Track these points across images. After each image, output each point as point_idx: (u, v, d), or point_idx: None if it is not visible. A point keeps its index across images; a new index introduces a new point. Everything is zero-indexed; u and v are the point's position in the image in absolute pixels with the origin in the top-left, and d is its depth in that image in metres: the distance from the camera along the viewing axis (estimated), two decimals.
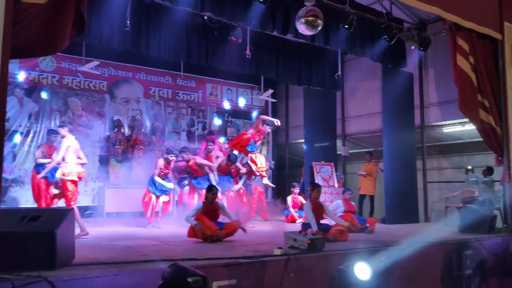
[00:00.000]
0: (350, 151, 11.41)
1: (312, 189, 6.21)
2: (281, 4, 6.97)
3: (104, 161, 9.83)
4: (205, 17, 7.14)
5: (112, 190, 9.34)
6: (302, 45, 9.85)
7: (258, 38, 9.07)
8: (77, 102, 9.75)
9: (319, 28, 5.81)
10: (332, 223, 6.06)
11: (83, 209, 9.30)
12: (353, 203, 7.77)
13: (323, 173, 10.27)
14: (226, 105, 11.79)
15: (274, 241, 4.91)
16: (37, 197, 6.79)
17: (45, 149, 6.94)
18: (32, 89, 9.21)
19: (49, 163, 6.49)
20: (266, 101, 12.54)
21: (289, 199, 9.03)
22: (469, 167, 8.01)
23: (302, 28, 5.82)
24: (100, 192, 9.60)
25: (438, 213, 9.66)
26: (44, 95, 9.28)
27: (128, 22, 6.44)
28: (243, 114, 12.13)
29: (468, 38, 6.79)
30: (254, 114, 12.23)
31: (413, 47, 7.86)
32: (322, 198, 9.71)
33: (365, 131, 10.92)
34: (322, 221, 6.09)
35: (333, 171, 10.39)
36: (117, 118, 10.03)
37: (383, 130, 8.78)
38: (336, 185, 10.24)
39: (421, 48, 7.63)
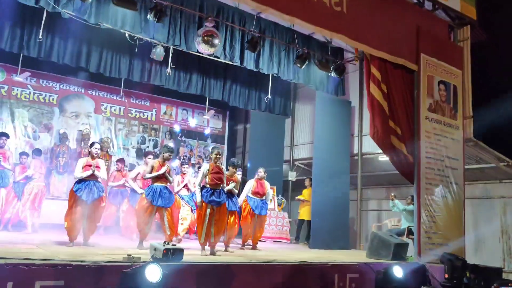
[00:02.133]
0: (300, 178, 11.46)
1: (211, 152, 6.30)
2: None
3: (47, 173, 9.93)
4: (126, 35, 7.35)
5: (49, 202, 9.40)
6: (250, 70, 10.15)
7: (206, 60, 9.38)
8: (25, 113, 9.96)
9: (216, 47, 6.02)
10: None
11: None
12: (266, 182, 7.84)
13: None
14: (180, 125, 11.97)
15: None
16: None
17: None
18: None
19: None
20: (224, 123, 12.77)
21: None
22: (392, 194, 8.05)
23: (200, 48, 6.04)
24: None
25: None
26: None
27: (40, 33, 6.67)
28: (198, 135, 12.29)
29: (382, 67, 6.97)
30: (209, 138, 12.42)
31: (332, 74, 8.03)
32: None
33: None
34: None
35: (274, 195, 10.43)
36: (63, 131, 10.21)
37: (314, 155, 8.89)
38: (277, 209, 10.28)
39: (337, 75, 7.83)
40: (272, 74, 8.71)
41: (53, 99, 10.31)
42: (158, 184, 6.25)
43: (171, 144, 11.44)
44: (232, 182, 6.62)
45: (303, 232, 9.75)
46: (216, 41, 5.90)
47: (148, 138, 11.51)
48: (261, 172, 7.79)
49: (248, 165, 11.09)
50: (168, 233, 6.21)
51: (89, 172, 6.17)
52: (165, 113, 11.85)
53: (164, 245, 4.52)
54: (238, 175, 7.33)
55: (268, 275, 4.86)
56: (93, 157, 6.43)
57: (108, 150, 10.60)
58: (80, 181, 6.22)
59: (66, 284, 3.72)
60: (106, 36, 8.36)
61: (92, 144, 6.64)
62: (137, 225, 6.39)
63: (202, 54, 7.53)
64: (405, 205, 8.09)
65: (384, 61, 6.96)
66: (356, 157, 9.58)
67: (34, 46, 7.90)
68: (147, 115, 11.57)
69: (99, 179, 6.46)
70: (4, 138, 7.51)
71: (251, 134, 11.09)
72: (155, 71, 9.09)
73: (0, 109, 9.69)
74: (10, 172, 7.70)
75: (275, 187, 10.55)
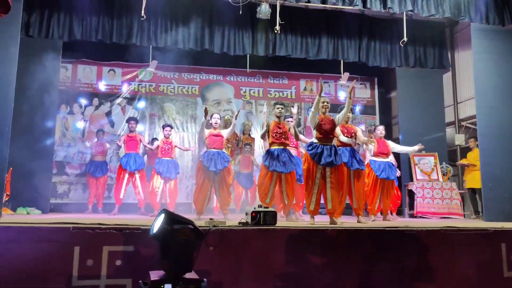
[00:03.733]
0: None
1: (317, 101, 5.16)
2: None
3: (194, 158, 10.32)
4: None
5: None
6: (390, 20, 8.81)
7: (333, 16, 8.50)
8: (172, 106, 10.52)
9: None
10: None
11: (178, 206, 9.90)
12: (389, 142, 6.68)
13: (423, 165, 8.77)
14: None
15: None
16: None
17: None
18: (132, 98, 10.32)
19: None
20: (372, 92, 11.43)
21: None
22: None
23: None
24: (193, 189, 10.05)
25: None
26: (142, 103, 10.29)
27: (142, 11, 6.70)
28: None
29: None
30: (358, 108, 11.26)
31: None
32: (419, 193, 8.33)
33: None
34: None
35: (436, 163, 8.76)
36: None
37: (477, 107, 7.01)
38: (442, 179, 8.59)
39: None
40: (409, 15, 7.24)
41: (195, 90, 10.67)
42: (275, 148, 5.63)
43: None
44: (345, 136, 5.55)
45: (474, 203, 7.88)
46: None
47: (290, 117, 10.96)
48: (380, 130, 6.57)
49: (400, 136, 9.58)
50: (286, 202, 5.50)
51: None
52: (305, 89, 11.18)
53: (255, 208, 3.83)
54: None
55: (385, 242, 3.72)
56: (214, 128, 6.41)
57: (250, 133, 10.46)
58: (205, 152, 6.26)
59: (136, 249, 3.35)
60: (223, 13, 8.20)
61: (212, 115, 6.57)
62: (259, 196, 5.88)
63: (317, 5, 6.63)
64: None
65: None
66: None
67: (161, 36, 8.18)
68: (287, 94, 11.08)
69: (223, 150, 6.39)
70: (132, 122, 7.88)
71: (399, 98, 9.58)
72: (279, 41, 8.51)
73: (151, 106, 10.43)
74: (145, 155, 8.02)
75: (436, 154, 8.88)
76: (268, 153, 5.57)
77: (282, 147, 5.61)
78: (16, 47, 5.56)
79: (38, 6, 7.50)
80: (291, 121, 6.56)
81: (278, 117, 5.72)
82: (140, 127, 9.95)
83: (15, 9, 5.15)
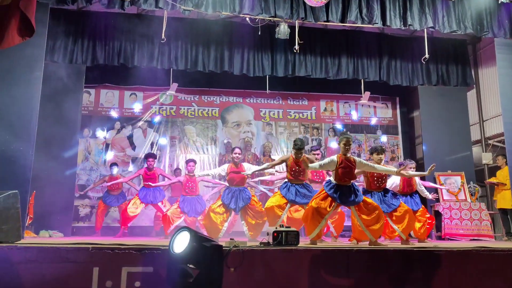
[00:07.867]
0: None
1: (339, 141, 4.95)
2: None
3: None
4: (247, 19, 6.89)
5: None
6: (411, 38, 8.77)
7: (356, 35, 8.53)
8: (192, 129, 10.56)
9: None
10: None
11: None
12: (417, 178, 6.39)
13: (450, 185, 8.50)
14: (344, 120, 11.02)
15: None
16: None
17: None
18: (153, 121, 10.40)
19: None
20: (394, 111, 11.25)
21: None
22: None
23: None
24: None
25: None
26: (162, 126, 10.37)
27: (163, 34, 6.77)
28: (365, 128, 11.07)
29: None
30: (379, 128, 11.09)
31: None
32: (446, 214, 8.10)
33: None
34: None
35: (463, 182, 8.49)
36: (227, 141, 10.45)
37: (503, 122, 6.80)
38: (469, 199, 8.30)
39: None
40: (430, 33, 7.16)
41: (215, 112, 10.70)
42: (293, 184, 5.53)
43: (334, 143, 10.64)
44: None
45: (506, 224, 7.56)
46: None
47: (310, 138, 10.90)
48: (411, 167, 6.34)
49: (424, 156, 9.35)
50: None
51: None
52: (325, 109, 11.09)
53: (276, 228, 3.72)
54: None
55: (413, 263, 3.55)
56: (235, 163, 6.25)
57: (271, 154, 10.41)
58: (226, 189, 6.18)
59: (156, 270, 3.26)
60: (242, 35, 8.28)
61: (233, 149, 6.45)
62: (268, 221, 5.71)
63: (336, 24, 6.63)
64: None
65: None
66: None
67: (181, 59, 8.29)
68: (307, 115, 11.01)
69: (247, 186, 6.34)
70: (151, 159, 7.64)
71: (422, 117, 9.41)
72: (299, 61, 8.52)
73: (172, 128, 10.49)
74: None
75: (463, 173, 8.62)
76: (287, 187, 5.47)
77: (300, 184, 5.50)
78: (40, 71, 5.69)
79: (62, 32, 7.71)
80: (318, 154, 6.39)
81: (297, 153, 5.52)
82: (161, 151, 10.07)
83: (39, 34, 5.28)
